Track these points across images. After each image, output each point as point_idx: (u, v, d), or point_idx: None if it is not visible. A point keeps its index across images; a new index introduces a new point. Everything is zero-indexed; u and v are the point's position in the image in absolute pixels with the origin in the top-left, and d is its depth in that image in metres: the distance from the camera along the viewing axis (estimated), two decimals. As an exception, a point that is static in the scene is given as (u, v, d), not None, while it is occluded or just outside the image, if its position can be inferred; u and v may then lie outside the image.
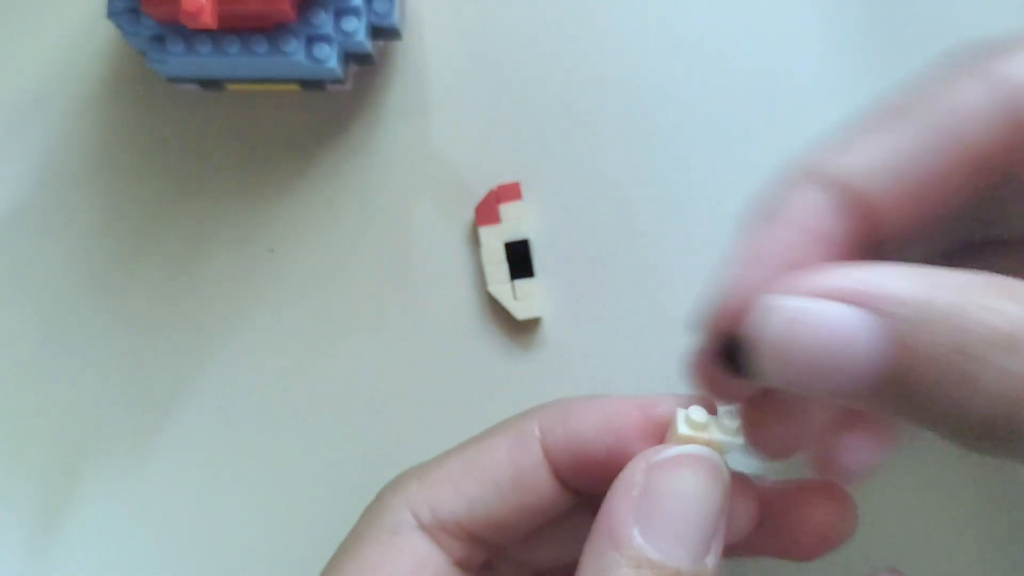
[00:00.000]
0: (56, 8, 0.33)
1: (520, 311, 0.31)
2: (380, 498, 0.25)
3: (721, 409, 0.23)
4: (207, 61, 0.29)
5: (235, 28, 0.28)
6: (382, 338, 0.32)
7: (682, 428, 0.22)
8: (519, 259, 0.31)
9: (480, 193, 0.32)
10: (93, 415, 0.32)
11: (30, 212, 0.33)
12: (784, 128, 0.32)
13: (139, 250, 0.33)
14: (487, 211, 0.32)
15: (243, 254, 0.32)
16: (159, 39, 0.29)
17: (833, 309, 0.18)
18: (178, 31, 0.29)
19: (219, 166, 0.33)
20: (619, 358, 0.32)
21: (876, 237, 0.21)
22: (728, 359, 0.21)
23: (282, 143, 0.33)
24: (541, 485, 0.24)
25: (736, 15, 0.32)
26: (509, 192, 0.32)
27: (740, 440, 0.22)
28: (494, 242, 0.31)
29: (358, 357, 0.32)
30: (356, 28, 0.29)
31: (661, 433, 0.23)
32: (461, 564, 0.24)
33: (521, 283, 0.31)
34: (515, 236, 0.31)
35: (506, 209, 0.31)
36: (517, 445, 0.24)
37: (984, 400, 0.17)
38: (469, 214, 0.32)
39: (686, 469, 0.21)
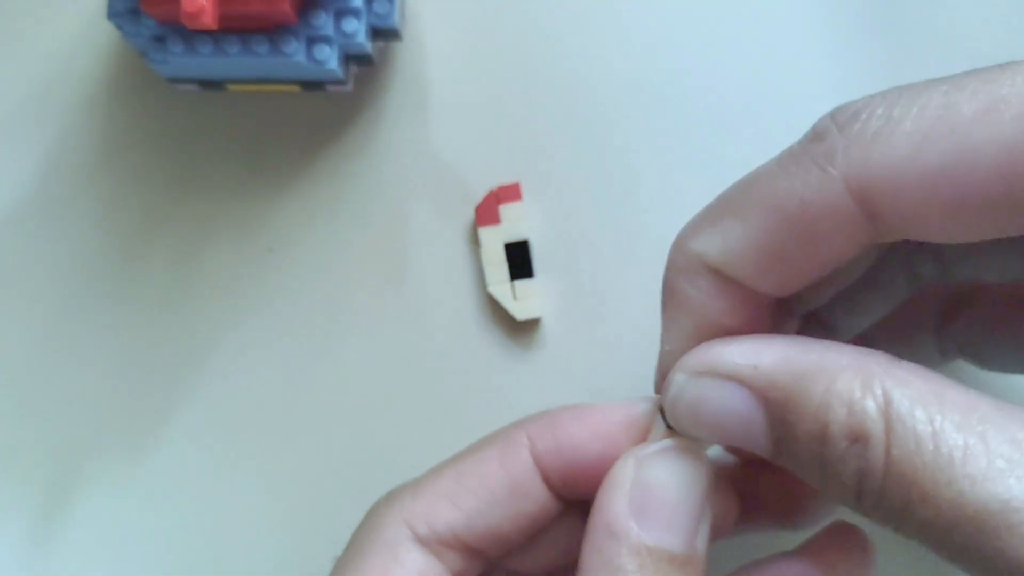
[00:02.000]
0: (56, 8, 0.33)
1: (520, 312, 0.31)
2: (375, 512, 0.25)
3: None
4: (207, 62, 0.29)
5: (235, 29, 0.28)
6: (381, 338, 0.32)
7: (663, 425, 0.23)
8: (519, 259, 0.31)
9: (480, 193, 0.32)
10: (92, 414, 0.32)
11: (30, 211, 0.33)
12: (786, 127, 0.32)
13: (138, 250, 0.33)
14: (487, 211, 0.32)
15: (242, 254, 0.32)
16: (159, 39, 0.29)
17: (714, 386, 0.21)
18: (178, 32, 0.29)
19: (219, 166, 0.33)
20: (619, 358, 0.32)
21: (772, 304, 0.23)
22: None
23: (282, 143, 0.33)
24: (535, 492, 0.25)
25: (737, 14, 0.32)
26: (509, 192, 0.32)
27: None
28: (494, 242, 0.31)
29: (357, 357, 0.32)
30: (356, 29, 0.29)
31: (644, 432, 0.24)
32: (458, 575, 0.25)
33: (521, 284, 0.31)
34: (515, 237, 0.31)
35: (506, 210, 0.32)
36: (508, 455, 0.25)
37: (839, 488, 0.19)
38: (469, 214, 0.32)
39: (672, 461, 0.23)
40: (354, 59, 0.31)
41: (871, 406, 0.19)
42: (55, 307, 0.33)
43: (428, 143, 0.32)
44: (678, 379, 0.22)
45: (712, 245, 0.22)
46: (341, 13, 0.29)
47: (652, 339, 0.31)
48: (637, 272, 0.32)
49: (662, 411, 0.23)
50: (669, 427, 0.23)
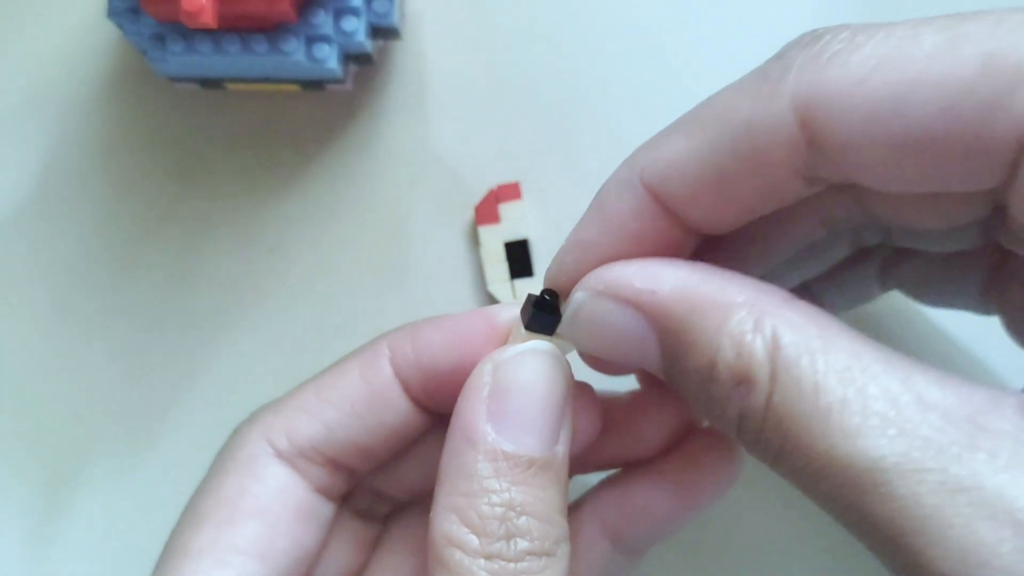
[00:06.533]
0: (56, 8, 0.33)
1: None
2: (236, 432, 0.25)
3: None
4: (207, 60, 0.29)
5: (235, 28, 0.28)
6: (382, 337, 0.32)
7: (523, 329, 0.23)
8: (519, 258, 0.31)
9: (480, 192, 0.32)
10: (93, 412, 0.32)
11: (30, 211, 0.33)
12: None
13: (138, 249, 0.33)
14: (487, 210, 0.32)
15: (242, 254, 0.32)
16: (159, 38, 0.29)
17: (612, 309, 0.21)
18: (178, 30, 0.29)
19: (218, 165, 0.33)
20: (618, 358, 0.32)
21: (697, 234, 0.22)
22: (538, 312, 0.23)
23: (282, 143, 0.33)
24: (394, 403, 0.24)
25: (737, 16, 0.32)
26: (509, 192, 0.32)
27: None
28: (494, 241, 0.31)
29: (358, 356, 0.32)
30: (356, 28, 0.29)
31: (504, 339, 0.24)
32: (322, 491, 0.24)
33: (521, 283, 0.31)
34: (515, 236, 0.31)
35: (506, 209, 0.32)
36: (368, 365, 0.24)
37: (722, 422, 0.20)
38: (469, 214, 0.32)
39: (530, 363, 0.22)
40: (353, 58, 0.31)
41: (759, 349, 0.19)
42: (55, 306, 0.33)
43: (428, 142, 0.32)
44: (577, 297, 0.22)
45: (655, 159, 0.21)
46: (341, 12, 0.29)
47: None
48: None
49: (523, 315, 0.23)
50: (528, 331, 0.23)
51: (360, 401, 0.24)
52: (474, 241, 0.32)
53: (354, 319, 0.32)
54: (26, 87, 0.33)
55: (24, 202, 0.33)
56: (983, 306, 0.26)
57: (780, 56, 0.20)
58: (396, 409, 0.24)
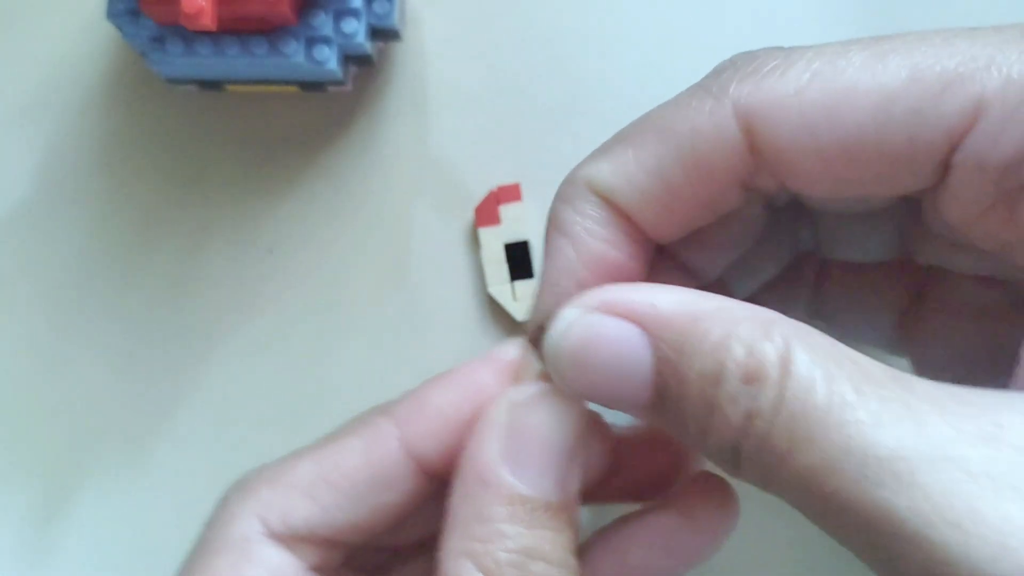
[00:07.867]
0: (56, 9, 0.33)
1: (520, 312, 0.31)
2: (227, 504, 0.24)
3: None
4: (206, 62, 0.29)
5: (235, 30, 0.28)
6: (381, 339, 0.32)
7: (537, 366, 0.23)
8: (519, 260, 0.31)
9: (480, 194, 0.32)
10: (91, 415, 0.32)
11: (29, 212, 0.33)
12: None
13: (138, 251, 0.33)
14: (487, 212, 0.32)
15: (242, 255, 0.32)
16: (159, 40, 0.29)
17: (607, 323, 0.20)
18: (177, 32, 0.29)
19: (218, 167, 0.33)
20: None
21: (648, 244, 0.23)
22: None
23: (281, 144, 0.33)
24: (401, 482, 0.23)
25: (738, 16, 0.32)
26: (509, 193, 0.32)
27: None
28: (494, 243, 0.31)
29: (357, 358, 0.32)
30: (356, 30, 0.29)
31: (516, 376, 0.24)
32: (317, 568, 0.23)
33: (521, 284, 0.31)
34: (515, 237, 0.31)
35: (506, 210, 0.31)
36: (373, 446, 0.23)
37: (721, 434, 0.19)
38: (469, 215, 0.32)
39: (547, 405, 0.22)
40: (353, 59, 0.31)
41: (770, 349, 0.18)
42: (54, 307, 0.33)
43: (428, 143, 0.32)
44: (569, 313, 0.21)
45: (601, 170, 0.22)
46: (340, 13, 0.29)
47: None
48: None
49: (535, 347, 0.22)
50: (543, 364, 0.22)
51: (362, 482, 0.23)
52: (474, 243, 0.32)
53: (354, 321, 0.32)
54: (25, 88, 0.33)
55: (22, 204, 0.33)
56: (895, 340, 0.26)
57: (717, 73, 0.22)
58: (401, 487, 0.23)
